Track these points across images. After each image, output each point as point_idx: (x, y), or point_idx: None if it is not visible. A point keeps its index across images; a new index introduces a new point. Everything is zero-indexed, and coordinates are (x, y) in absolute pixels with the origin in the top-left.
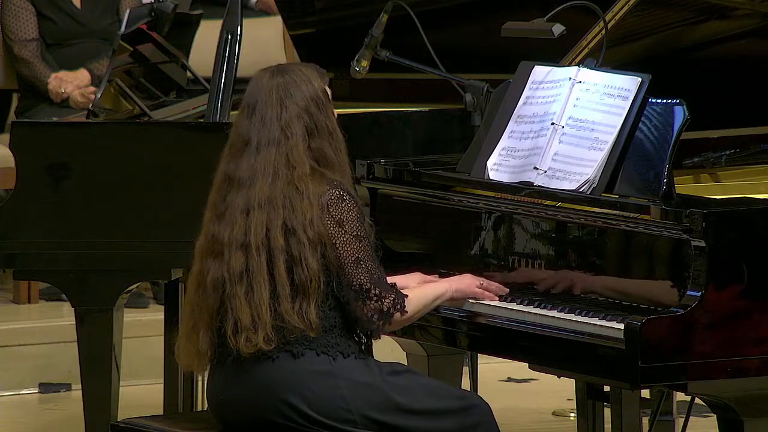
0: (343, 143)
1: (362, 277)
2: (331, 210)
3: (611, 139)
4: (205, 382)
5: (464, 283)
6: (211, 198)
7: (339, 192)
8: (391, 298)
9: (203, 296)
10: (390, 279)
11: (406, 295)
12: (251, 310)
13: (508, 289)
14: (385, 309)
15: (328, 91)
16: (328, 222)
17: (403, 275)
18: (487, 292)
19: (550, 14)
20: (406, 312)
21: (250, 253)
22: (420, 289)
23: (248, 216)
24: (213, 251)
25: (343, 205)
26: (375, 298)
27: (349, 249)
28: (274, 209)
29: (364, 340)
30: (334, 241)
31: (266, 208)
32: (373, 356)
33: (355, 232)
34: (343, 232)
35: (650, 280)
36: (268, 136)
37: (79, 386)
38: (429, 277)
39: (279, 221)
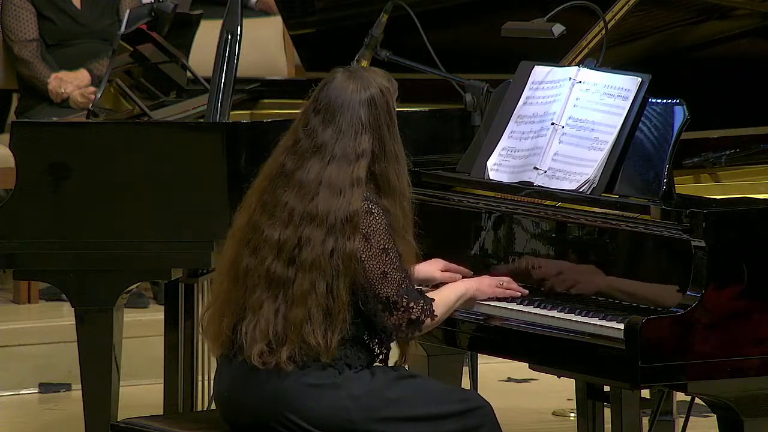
0: (406, 167)
1: (389, 290)
2: (359, 224)
3: (611, 139)
4: (206, 381)
5: (484, 282)
6: (259, 183)
7: (367, 205)
8: (420, 306)
9: (234, 284)
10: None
11: (433, 299)
12: (278, 325)
13: (527, 291)
14: (414, 317)
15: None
16: (356, 236)
17: (424, 263)
18: (508, 291)
19: (550, 14)
20: (436, 316)
21: (299, 269)
22: (443, 291)
23: (303, 227)
24: (251, 241)
25: (371, 218)
26: (402, 309)
27: (375, 263)
28: (327, 229)
29: (384, 350)
30: (360, 256)
31: (323, 226)
32: (387, 364)
33: (382, 245)
34: (369, 246)
35: (650, 280)
36: (343, 151)
37: (79, 386)
38: (451, 264)
39: (329, 245)
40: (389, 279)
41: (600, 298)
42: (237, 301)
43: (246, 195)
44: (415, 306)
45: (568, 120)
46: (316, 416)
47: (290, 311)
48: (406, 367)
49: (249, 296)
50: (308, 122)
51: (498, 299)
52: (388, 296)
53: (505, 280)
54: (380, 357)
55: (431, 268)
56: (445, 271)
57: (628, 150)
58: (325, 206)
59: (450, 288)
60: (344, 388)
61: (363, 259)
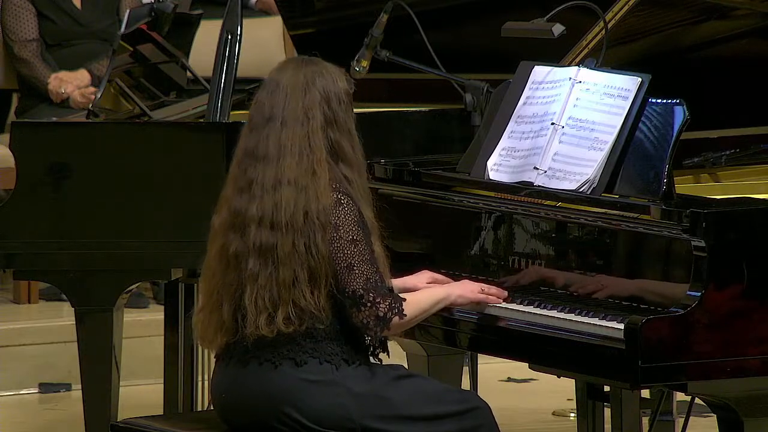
0: (360, 145)
1: (355, 283)
2: (329, 214)
3: (611, 139)
4: (206, 381)
5: (467, 288)
6: (232, 172)
7: (337, 195)
8: (387, 303)
9: (227, 270)
10: (399, 279)
11: (404, 299)
12: (273, 289)
13: (506, 293)
14: (381, 314)
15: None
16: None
17: (412, 275)
18: (490, 297)
19: (550, 14)
20: (405, 316)
21: (279, 232)
22: (420, 293)
23: (276, 192)
24: (235, 225)
25: (340, 209)
26: (369, 305)
27: (342, 254)
28: (299, 190)
29: (375, 342)
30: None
31: (293, 187)
32: (388, 351)
33: (350, 237)
34: (338, 237)
35: (650, 280)
36: (294, 114)
37: (79, 386)
38: (438, 275)
39: (301, 202)
40: (356, 272)
41: (600, 298)
42: (233, 284)
43: (222, 192)
44: (382, 302)
45: (568, 120)
46: (315, 412)
47: (279, 273)
48: (407, 366)
49: (243, 273)
50: (257, 99)
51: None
52: (354, 290)
53: (486, 287)
54: (377, 349)
55: (416, 280)
56: (431, 282)
57: (628, 150)
58: (291, 169)
59: (428, 291)
60: (343, 385)
61: (331, 249)
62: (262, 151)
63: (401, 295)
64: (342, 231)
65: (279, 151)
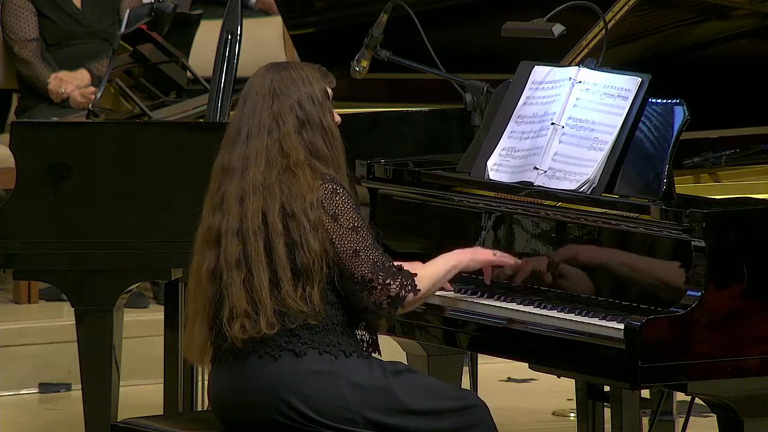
0: (340, 141)
1: (364, 268)
2: (326, 205)
3: (611, 139)
4: (206, 381)
5: (478, 252)
6: (209, 190)
7: (332, 186)
8: (399, 282)
9: (200, 287)
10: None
11: (415, 274)
12: (250, 295)
13: (520, 261)
14: (394, 294)
15: (330, 92)
16: (324, 217)
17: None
18: (503, 259)
19: (550, 14)
20: (419, 291)
21: (247, 239)
22: (430, 265)
23: (243, 203)
24: (209, 241)
25: (336, 198)
26: (380, 287)
27: (346, 242)
28: (270, 195)
29: (367, 337)
30: (331, 236)
31: (261, 194)
32: (379, 350)
33: (351, 224)
34: (338, 226)
35: (650, 280)
36: (259, 125)
37: (79, 386)
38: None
39: (276, 206)
40: (362, 257)
41: (600, 298)
42: (209, 299)
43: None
44: (392, 282)
45: (568, 120)
46: (315, 402)
47: (255, 280)
48: (406, 361)
49: (219, 286)
50: (232, 115)
51: (497, 298)
52: (363, 275)
53: (499, 253)
54: (369, 343)
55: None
56: None
57: (628, 150)
58: (257, 179)
59: (440, 260)
60: (342, 377)
61: (333, 239)
62: (230, 166)
63: (411, 270)
64: (342, 220)
65: (244, 163)
